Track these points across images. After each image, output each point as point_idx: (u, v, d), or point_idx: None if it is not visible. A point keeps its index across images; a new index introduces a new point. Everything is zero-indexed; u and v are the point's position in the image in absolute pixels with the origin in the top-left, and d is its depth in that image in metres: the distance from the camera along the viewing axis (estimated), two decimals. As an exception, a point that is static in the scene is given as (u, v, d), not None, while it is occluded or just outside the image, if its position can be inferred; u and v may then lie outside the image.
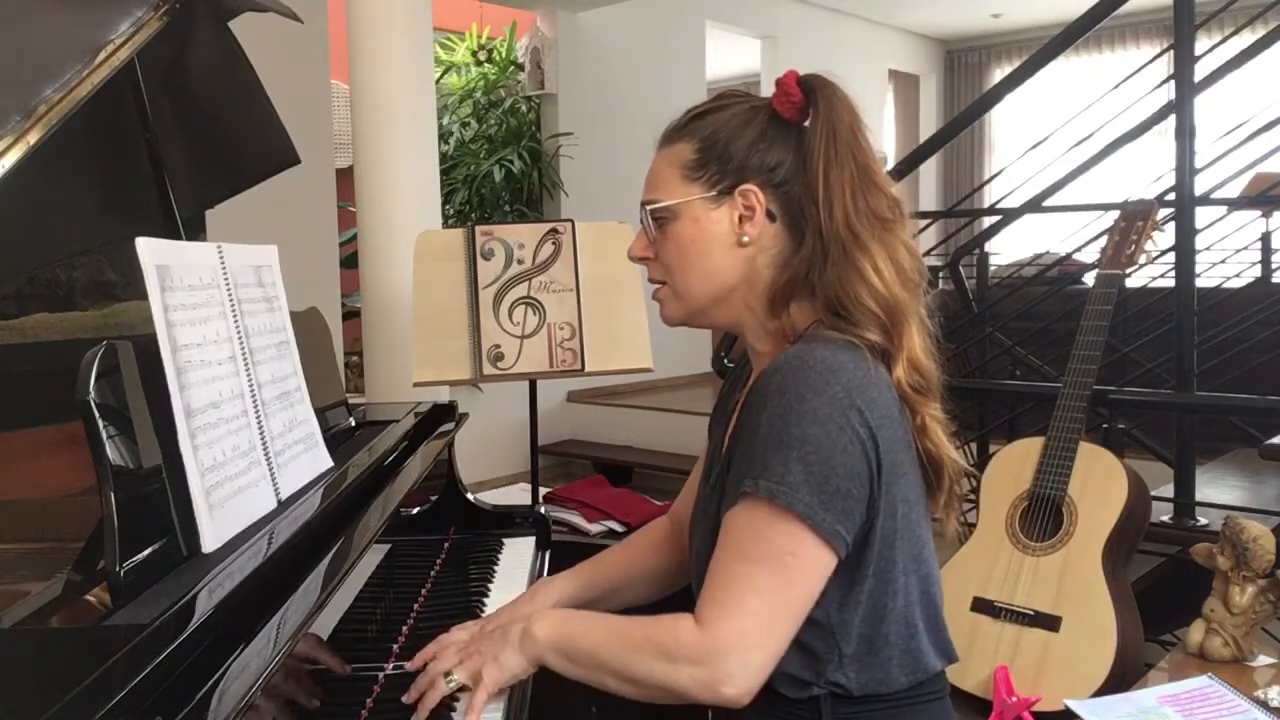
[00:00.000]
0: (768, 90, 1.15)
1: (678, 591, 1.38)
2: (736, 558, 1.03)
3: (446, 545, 1.69)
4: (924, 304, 1.12)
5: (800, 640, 1.05)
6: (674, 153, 1.15)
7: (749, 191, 1.11)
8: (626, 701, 1.09)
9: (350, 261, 4.37)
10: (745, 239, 1.12)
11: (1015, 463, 2.12)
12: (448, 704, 1.12)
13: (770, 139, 1.12)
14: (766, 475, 1.01)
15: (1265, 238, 4.71)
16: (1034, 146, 3.60)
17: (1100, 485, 2.01)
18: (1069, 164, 3.64)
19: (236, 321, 1.17)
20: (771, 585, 1.01)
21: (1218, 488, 2.91)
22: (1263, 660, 1.73)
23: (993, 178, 5.27)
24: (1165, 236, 2.67)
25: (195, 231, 1.74)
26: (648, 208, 1.16)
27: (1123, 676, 1.83)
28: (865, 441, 1.02)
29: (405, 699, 1.13)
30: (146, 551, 0.91)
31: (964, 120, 3.92)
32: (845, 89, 1.12)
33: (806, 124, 1.12)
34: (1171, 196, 2.81)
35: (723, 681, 1.01)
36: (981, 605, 2.01)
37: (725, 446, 1.15)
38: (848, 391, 1.02)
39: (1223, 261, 4.35)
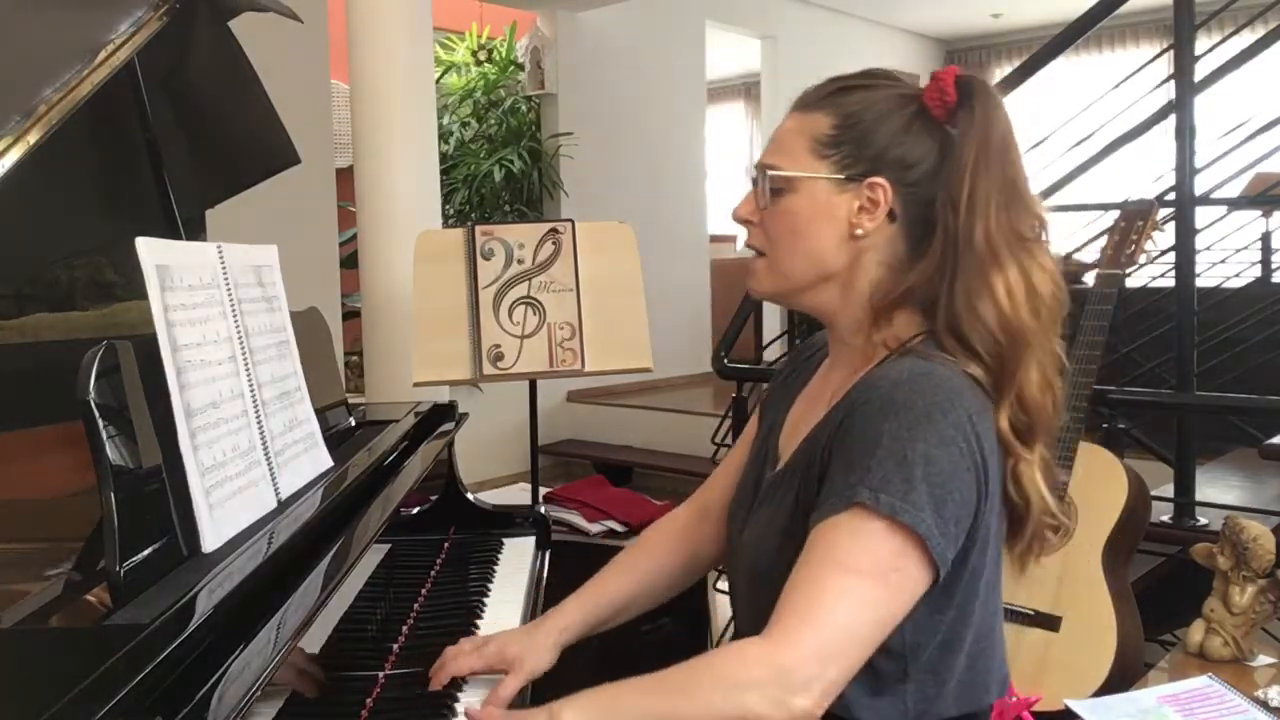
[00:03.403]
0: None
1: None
2: (833, 568, 0.97)
3: (446, 545, 1.69)
4: (1059, 337, 1.07)
5: (871, 663, 1.00)
6: (809, 122, 1.09)
7: (878, 185, 1.06)
8: None
9: (350, 261, 4.37)
10: (859, 231, 1.07)
11: (1015, 463, 2.11)
12: (448, 704, 1.12)
13: (915, 134, 1.07)
14: (887, 490, 0.96)
15: (1265, 238, 4.71)
16: (1034, 146, 3.60)
17: (1100, 485, 2.01)
18: (1069, 164, 3.64)
19: (236, 321, 1.17)
20: (868, 600, 0.96)
21: (1218, 488, 2.90)
22: (1263, 660, 1.73)
23: (993, 177, 5.26)
24: (1165, 236, 2.67)
25: (195, 231, 1.74)
26: (767, 172, 1.10)
27: (1123, 676, 1.83)
28: (980, 470, 1.00)
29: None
30: (146, 551, 0.91)
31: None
32: (1001, 97, 1.07)
33: (952, 127, 1.07)
34: (1171, 196, 2.82)
35: (797, 692, 0.93)
36: (981, 605, 2.01)
37: (804, 441, 1.10)
38: (969, 417, 0.99)
39: (1223, 261, 4.36)
